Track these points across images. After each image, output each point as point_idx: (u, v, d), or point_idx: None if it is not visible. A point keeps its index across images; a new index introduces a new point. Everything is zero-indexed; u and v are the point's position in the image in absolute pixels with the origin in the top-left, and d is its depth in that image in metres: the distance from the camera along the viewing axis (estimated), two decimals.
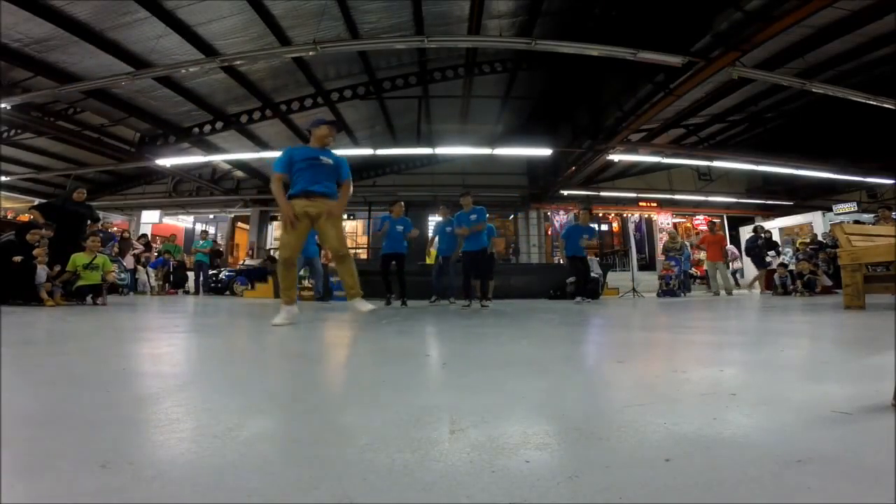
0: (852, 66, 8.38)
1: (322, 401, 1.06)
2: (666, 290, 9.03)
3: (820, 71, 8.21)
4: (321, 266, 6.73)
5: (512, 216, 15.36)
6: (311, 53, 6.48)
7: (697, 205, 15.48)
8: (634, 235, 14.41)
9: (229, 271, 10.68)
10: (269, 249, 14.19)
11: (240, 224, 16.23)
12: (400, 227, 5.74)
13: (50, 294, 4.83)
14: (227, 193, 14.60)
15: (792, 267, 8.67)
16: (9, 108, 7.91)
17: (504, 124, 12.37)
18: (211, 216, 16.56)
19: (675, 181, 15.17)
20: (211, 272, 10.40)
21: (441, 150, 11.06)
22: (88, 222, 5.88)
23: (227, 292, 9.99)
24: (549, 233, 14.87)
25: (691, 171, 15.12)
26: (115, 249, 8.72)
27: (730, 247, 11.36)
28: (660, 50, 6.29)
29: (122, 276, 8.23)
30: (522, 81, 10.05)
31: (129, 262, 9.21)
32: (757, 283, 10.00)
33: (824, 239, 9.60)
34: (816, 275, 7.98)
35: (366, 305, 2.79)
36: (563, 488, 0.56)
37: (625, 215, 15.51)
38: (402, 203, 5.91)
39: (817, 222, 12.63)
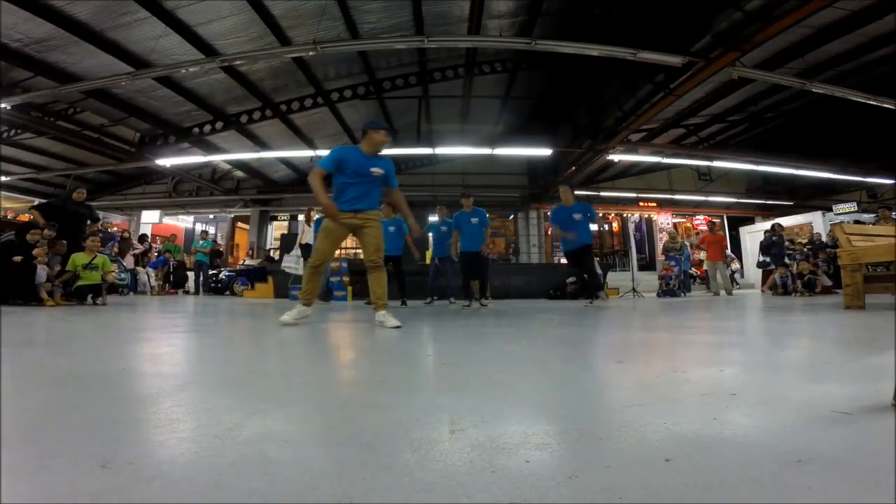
0: (852, 66, 8.38)
1: (322, 401, 1.06)
2: (666, 290, 9.03)
3: (820, 71, 8.21)
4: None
5: (512, 216, 15.35)
6: (311, 53, 6.48)
7: (697, 205, 15.47)
8: (634, 235, 14.40)
9: (229, 271, 10.68)
10: (269, 249, 14.19)
11: (240, 224, 16.23)
12: (392, 228, 5.74)
13: (50, 294, 4.83)
14: (227, 193, 14.60)
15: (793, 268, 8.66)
16: (9, 108, 7.91)
17: (504, 124, 12.36)
18: (211, 216, 16.55)
19: (675, 181, 15.16)
20: (211, 272, 10.40)
21: (441, 150, 11.06)
22: (88, 222, 5.88)
23: (227, 292, 9.99)
24: (549, 233, 14.87)
25: (691, 171, 15.11)
26: (115, 249, 8.72)
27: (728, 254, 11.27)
28: (660, 50, 6.29)
29: (122, 276, 8.23)
30: (522, 81, 10.04)
31: (129, 262, 9.22)
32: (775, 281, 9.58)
33: (825, 239, 9.60)
34: (816, 275, 7.98)
35: (392, 321, 2.73)
36: (563, 488, 0.56)
37: (625, 215, 15.51)
38: None
39: (817, 222, 12.62)
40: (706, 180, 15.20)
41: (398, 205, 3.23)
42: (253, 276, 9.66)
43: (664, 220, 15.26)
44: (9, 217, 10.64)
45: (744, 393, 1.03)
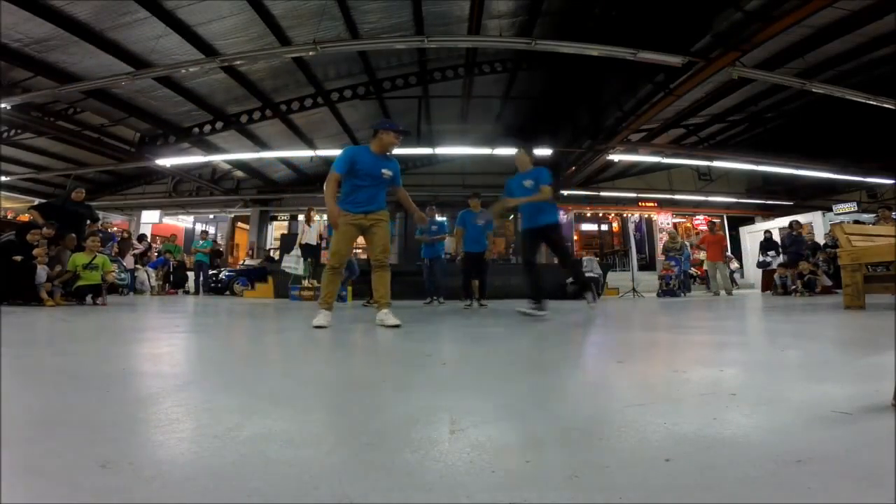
0: (852, 66, 8.38)
1: (322, 401, 1.06)
2: (666, 290, 9.03)
3: (820, 71, 8.21)
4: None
5: (512, 216, 15.35)
6: (311, 53, 6.48)
7: (697, 205, 15.47)
8: (634, 235, 14.39)
9: (229, 271, 10.68)
10: (269, 249, 14.19)
11: (240, 224, 16.23)
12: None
13: (50, 294, 4.83)
14: (227, 193, 14.60)
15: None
16: (9, 108, 7.91)
17: (504, 124, 12.37)
18: (211, 216, 16.55)
19: (675, 181, 15.16)
20: (211, 272, 10.40)
21: (441, 150, 11.06)
22: (88, 222, 5.88)
23: (227, 292, 9.99)
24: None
25: (691, 171, 15.11)
26: (115, 249, 8.72)
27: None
28: (660, 50, 6.29)
29: (122, 276, 8.23)
30: (522, 81, 10.04)
31: (129, 262, 9.21)
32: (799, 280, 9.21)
33: (824, 239, 9.58)
34: (816, 275, 7.98)
35: (392, 320, 2.77)
36: (563, 488, 0.56)
37: (625, 215, 15.51)
38: None
39: (817, 222, 12.62)
40: (706, 180, 15.20)
41: (404, 202, 3.22)
42: (253, 276, 9.66)
43: (664, 220, 15.26)
44: (9, 217, 10.64)
45: (744, 393, 1.03)
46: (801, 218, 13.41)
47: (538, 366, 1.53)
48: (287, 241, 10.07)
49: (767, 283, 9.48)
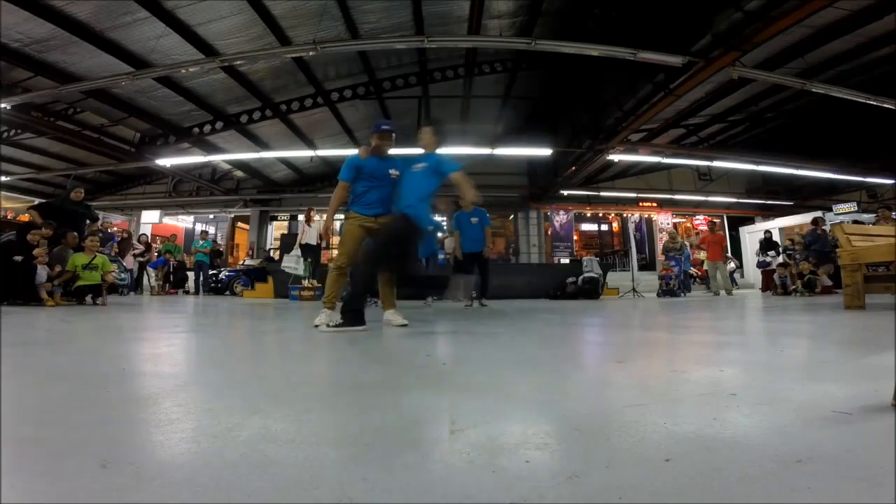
0: (852, 66, 8.38)
1: (322, 401, 1.06)
2: (666, 290, 9.03)
3: (820, 71, 8.21)
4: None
5: (512, 216, 15.35)
6: (311, 53, 6.48)
7: (697, 205, 15.48)
8: (634, 235, 14.39)
9: (229, 271, 10.68)
10: (269, 249, 14.19)
11: (240, 224, 16.23)
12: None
13: (50, 294, 4.83)
14: (227, 193, 14.60)
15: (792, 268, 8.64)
16: (9, 108, 7.91)
17: (504, 124, 12.37)
18: (211, 216, 16.56)
19: (675, 181, 15.17)
20: (211, 272, 10.40)
21: (441, 150, 11.04)
22: (87, 222, 5.88)
23: (227, 292, 9.99)
24: (549, 233, 14.87)
25: (691, 171, 15.11)
26: (115, 249, 8.72)
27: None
28: (660, 50, 6.29)
29: (122, 276, 8.22)
30: (522, 81, 10.04)
31: (129, 262, 9.21)
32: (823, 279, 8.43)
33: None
34: (816, 275, 7.97)
35: (399, 319, 2.77)
36: (563, 488, 0.56)
37: (625, 215, 15.51)
38: None
39: None
40: (706, 180, 15.21)
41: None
42: (253, 277, 9.66)
43: (664, 220, 15.27)
44: (9, 217, 10.63)
45: (744, 393, 1.03)
46: (801, 218, 13.45)
47: (538, 365, 1.53)
48: (287, 241, 10.07)
49: (767, 283, 9.48)
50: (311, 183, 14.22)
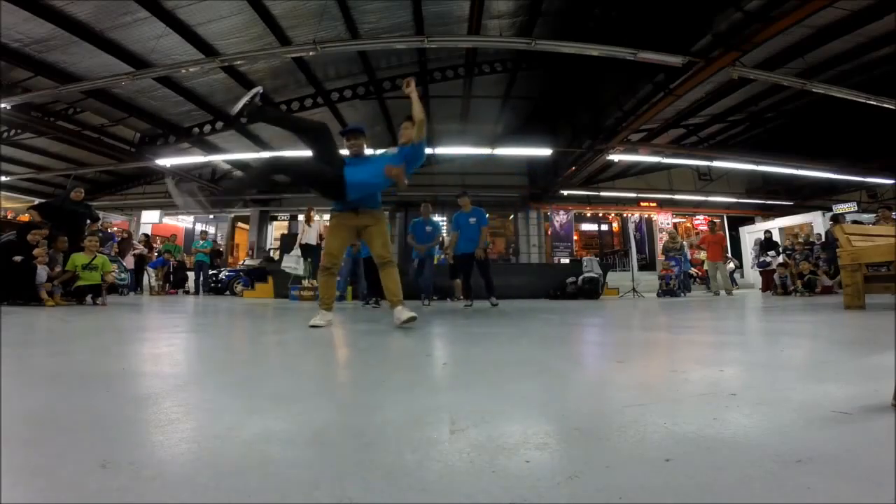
0: (852, 66, 8.38)
1: (322, 401, 1.06)
2: (666, 290, 9.03)
3: (820, 71, 8.21)
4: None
5: (512, 216, 15.35)
6: (311, 53, 6.48)
7: (697, 205, 15.48)
8: (634, 235, 14.40)
9: (229, 271, 10.68)
10: (269, 249, 14.19)
11: (240, 224, 16.23)
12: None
13: (50, 294, 4.83)
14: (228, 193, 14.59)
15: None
16: (9, 108, 7.91)
17: (504, 124, 12.36)
18: (211, 216, 16.56)
19: (675, 181, 15.17)
20: (211, 272, 10.40)
21: (441, 150, 11.05)
22: (87, 222, 5.88)
23: (227, 292, 9.99)
24: (549, 233, 14.88)
25: (691, 171, 15.11)
26: (115, 249, 8.72)
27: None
28: (660, 50, 6.29)
29: (122, 276, 8.23)
30: (522, 81, 10.04)
31: (129, 262, 9.22)
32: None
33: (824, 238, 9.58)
34: (816, 275, 7.98)
35: (406, 314, 2.70)
36: (563, 488, 0.56)
37: (625, 215, 15.51)
38: None
39: (817, 222, 12.62)
40: (706, 180, 15.21)
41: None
42: (253, 276, 9.66)
43: (664, 220, 15.27)
44: (9, 217, 10.64)
45: (744, 393, 1.03)
46: (801, 218, 13.46)
47: (538, 365, 1.53)
48: (287, 241, 10.07)
49: (767, 283, 9.49)
50: None
